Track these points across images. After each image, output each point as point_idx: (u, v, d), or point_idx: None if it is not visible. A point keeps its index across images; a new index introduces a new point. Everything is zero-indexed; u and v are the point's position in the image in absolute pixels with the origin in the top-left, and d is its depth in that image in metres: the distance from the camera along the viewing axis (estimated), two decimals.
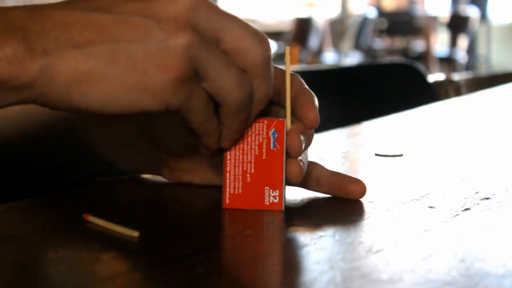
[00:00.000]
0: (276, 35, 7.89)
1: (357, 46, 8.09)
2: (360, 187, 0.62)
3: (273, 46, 7.92)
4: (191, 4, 0.52)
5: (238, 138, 0.58)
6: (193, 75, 0.52)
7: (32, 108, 0.68)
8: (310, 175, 0.63)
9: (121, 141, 0.67)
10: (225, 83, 0.53)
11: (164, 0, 0.52)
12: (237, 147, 0.59)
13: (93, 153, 0.69)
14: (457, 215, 0.59)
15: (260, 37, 0.54)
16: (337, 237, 0.54)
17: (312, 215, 0.60)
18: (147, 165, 0.68)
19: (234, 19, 0.54)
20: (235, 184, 0.59)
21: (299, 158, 0.59)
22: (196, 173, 0.66)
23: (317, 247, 0.51)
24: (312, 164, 0.63)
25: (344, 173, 0.64)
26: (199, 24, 0.52)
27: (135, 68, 0.50)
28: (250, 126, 0.59)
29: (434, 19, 8.63)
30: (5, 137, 0.71)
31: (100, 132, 0.68)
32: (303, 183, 0.63)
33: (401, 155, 0.82)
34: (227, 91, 0.53)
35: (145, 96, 0.51)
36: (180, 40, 0.51)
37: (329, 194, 0.63)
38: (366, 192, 0.62)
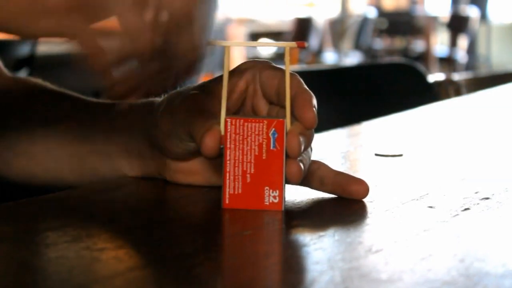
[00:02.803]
0: (276, 35, 7.89)
1: (357, 46, 8.07)
2: (362, 188, 0.62)
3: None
4: None
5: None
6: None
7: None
8: (314, 175, 0.63)
9: (127, 150, 0.68)
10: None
11: None
12: (237, 147, 0.59)
13: (103, 163, 0.70)
14: (457, 215, 0.59)
15: None
16: (336, 237, 0.54)
17: (311, 215, 0.60)
18: (151, 169, 0.68)
19: None
20: (234, 184, 0.59)
21: (299, 158, 0.59)
22: (197, 175, 0.66)
23: (316, 247, 0.51)
24: (316, 164, 0.63)
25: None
26: None
27: None
28: (174, 83, 0.57)
29: (434, 19, 8.61)
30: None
31: (110, 143, 0.69)
32: (307, 183, 0.63)
33: (401, 155, 0.82)
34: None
35: (37, 20, 0.51)
36: None
37: (333, 194, 0.63)
38: None
